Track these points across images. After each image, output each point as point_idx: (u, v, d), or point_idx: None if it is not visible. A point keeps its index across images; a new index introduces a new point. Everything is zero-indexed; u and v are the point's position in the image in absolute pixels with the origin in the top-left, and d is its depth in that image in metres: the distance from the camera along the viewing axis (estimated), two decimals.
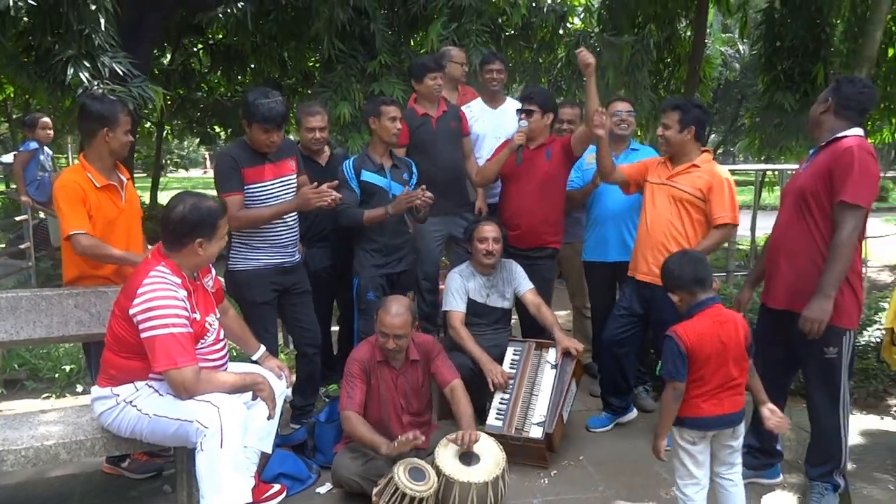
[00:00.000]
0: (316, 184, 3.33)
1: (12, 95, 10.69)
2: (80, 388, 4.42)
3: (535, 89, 4.09)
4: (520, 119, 3.89)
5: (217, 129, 11.78)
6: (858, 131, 2.80)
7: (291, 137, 6.85)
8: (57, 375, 4.43)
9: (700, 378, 2.48)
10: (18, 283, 5.93)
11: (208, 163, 33.27)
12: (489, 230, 3.74)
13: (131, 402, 2.53)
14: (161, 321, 2.42)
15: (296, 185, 3.47)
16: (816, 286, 2.73)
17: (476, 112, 4.50)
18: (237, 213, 3.20)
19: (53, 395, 4.36)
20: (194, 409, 2.45)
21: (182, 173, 19.51)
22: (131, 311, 2.45)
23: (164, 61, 10.30)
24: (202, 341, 2.63)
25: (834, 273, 2.70)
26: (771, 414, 2.52)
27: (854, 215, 2.69)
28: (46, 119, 5.30)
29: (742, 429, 2.61)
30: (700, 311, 2.53)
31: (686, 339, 2.46)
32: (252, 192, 3.30)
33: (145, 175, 19.58)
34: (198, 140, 12.71)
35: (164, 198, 13.30)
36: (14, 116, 13.42)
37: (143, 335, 2.44)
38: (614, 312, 3.74)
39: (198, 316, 2.60)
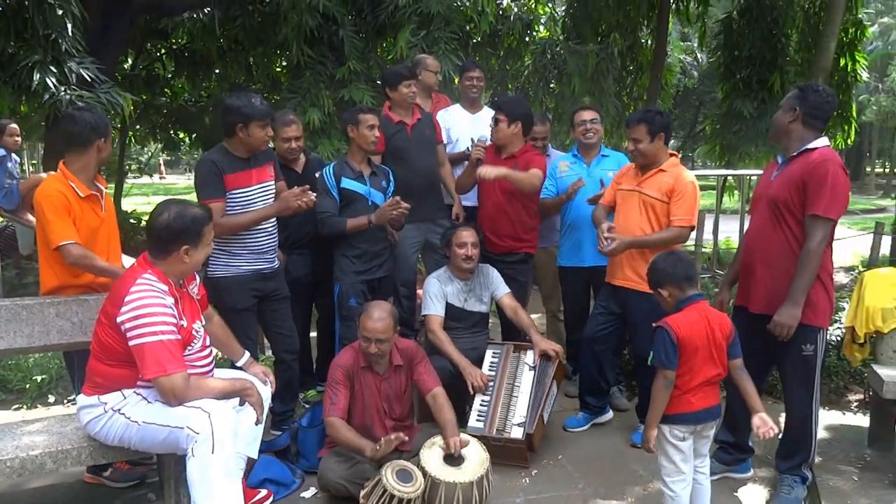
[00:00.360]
0: (296, 188, 3.37)
1: None
2: (51, 399, 4.35)
3: (504, 99, 4.19)
4: (490, 127, 4.00)
5: (181, 134, 11.60)
6: (826, 141, 2.95)
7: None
8: (28, 386, 4.35)
9: (690, 371, 2.60)
10: None
11: (163, 168, 32.79)
12: (467, 235, 3.80)
13: (119, 409, 2.52)
14: (150, 328, 2.42)
15: (274, 190, 3.49)
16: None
17: (455, 118, 4.58)
18: (219, 220, 3.20)
19: (24, 406, 4.28)
20: (185, 415, 2.46)
21: (146, 179, 19.13)
22: (119, 319, 2.45)
23: (126, 66, 10.13)
24: (189, 348, 2.63)
25: (803, 281, 2.86)
26: (762, 423, 2.63)
27: (824, 227, 2.85)
28: (14, 125, 5.20)
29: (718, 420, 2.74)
30: (688, 305, 2.67)
31: (677, 329, 2.58)
32: (234, 198, 3.31)
33: (108, 181, 19.18)
34: (161, 146, 12.51)
35: (126, 204, 13.08)
36: None
37: (131, 343, 2.44)
38: (594, 311, 3.85)
39: (185, 323, 2.60)
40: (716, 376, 2.66)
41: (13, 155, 5.18)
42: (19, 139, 5.30)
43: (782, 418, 3.94)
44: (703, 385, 2.63)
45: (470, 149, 4.09)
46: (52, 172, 3.05)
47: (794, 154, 2.97)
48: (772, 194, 3.00)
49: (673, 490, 2.68)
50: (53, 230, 2.88)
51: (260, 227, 3.40)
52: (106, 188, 3.26)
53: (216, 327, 3.03)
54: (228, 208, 3.30)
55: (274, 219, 3.50)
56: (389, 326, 3.13)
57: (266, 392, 2.96)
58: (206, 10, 8.11)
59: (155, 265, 2.58)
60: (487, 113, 4.62)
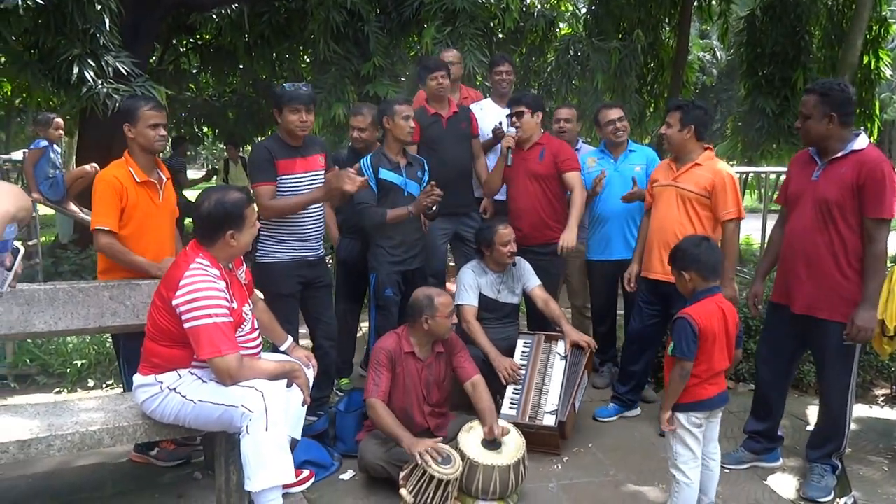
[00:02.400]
0: (336, 167, 3.46)
1: (9, 94, 10.56)
2: (91, 383, 4.47)
3: (521, 92, 4.29)
4: (511, 124, 4.06)
5: (205, 129, 11.74)
6: (867, 139, 2.99)
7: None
8: (68, 370, 4.47)
9: (707, 360, 2.68)
10: (24, 280, 5.90)
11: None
12: (509, 233, 3.86)
13: (175, 388, 2.62)
14: (204, 311, 2.52)
15: (324, 180, 3.58)
16: (840, 294, 2.97)
17: (487, 111, 4.67)
18: (268, 203, 3.34)
19: (65, 390, 4.40)
20: (239, 394, 2.55)
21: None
22: (174, 303, 2.54)
23: (152, 61, 10.28)
24: (239, 330, 2.72)
25: (876, 283, 2.93)
26: None
27: (887, 228, 2.91)
28: (60, 119, 5.35)
29: None
30: (707, 296, 2.73)
31: (699, 320, 2.65)
32: (284, 184, 3.43)
33: None
34: (186, 139, 12.65)
35: None
36: None
37: (186, 325, 2.53)
38: (639, 304, 3.90)
39: (235, 305, 2.70)
40: (727, 366, 2.78)
41: (55, 146, 5.31)
42: (62, 132, 5.45)
43: (809, 410, 4.04)
44: (718, 373, 2.74)
45: (504, 127, 4.16)
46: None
47: (839, 155, 2.99)
48: (819, 195, 3.00)
49: (689, 477, 2.74)
50: (96, 212, 3.02)
51: (306, 214, 3.50)
52: (168, 177, 3.37)
53: (261, 312, 3.12)
54: (278, 193, 3.41)
55: (321, 207, 3.60)
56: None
57: (310, 374, 3.05)
58: (234, 6, 8.22)
59: (206, 250, 2.67)
60: None
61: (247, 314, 2.79)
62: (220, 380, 2.59)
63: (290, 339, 3.22)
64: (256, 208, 3.34)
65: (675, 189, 3.65)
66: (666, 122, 3.68)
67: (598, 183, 4.14)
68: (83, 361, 4.52)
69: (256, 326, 2.88)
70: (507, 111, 4.20)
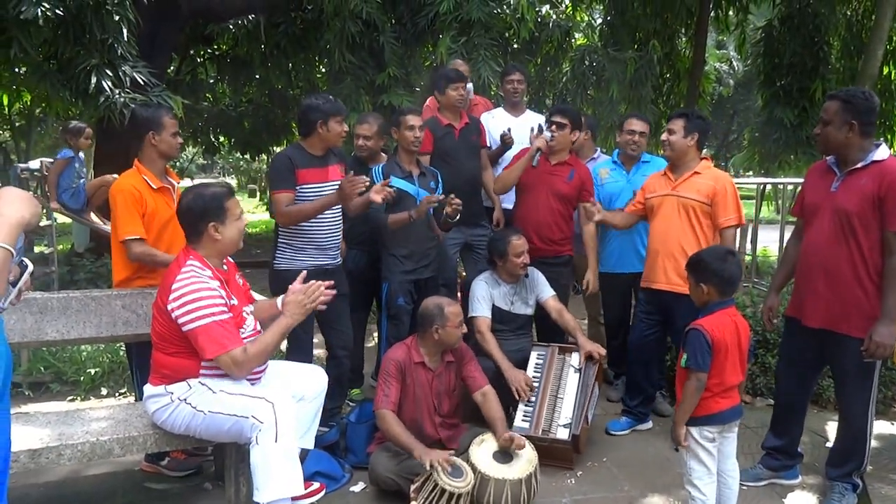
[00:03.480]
0: (352, 172, 3.44)
1: (28, 103, 10.72)
2: (104, 392, 4.48)
3: (567, 106, 4.25)
4: (549, 128, 4.03)
5: (221, 138, 11.85)
6: (888, 150, 2.92)
7: None
8: (81, 378, 4.49)
9: (720, 373, 2.64)
10: (40, 287, 5.97)
11: None
12: (522, 244, 3.84)
13: (185, 399, 2.61)
14: (199, 312, 2.51)
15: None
16: (859, 309, 2.89)
17: (499, 120, 4.65)
18: (284, 209, 3.37)
19: (78, 398, 4.41)
20: (249, 405, 2.54)
21: (187, 181, 19.50)
22: (169, 307, 2.55)
23: (170, 71, 10.39)
24: (241, 330, 2.70)
25: (894, 296, 2.82)
26: None
27: None
28: (89, 129, 5.45)
29: None
30: (722, 308, 2.70)
31: (712, 332, 2.61)
32: (305, 193, 3.45)
33: None
34: (202, 149, 12.79)
35: None
36: (17, 125, 13.46)
37: (185, 328, 2.53)
38: (639, 316, 3.87)
39: (235, 301, 2.70)
40: (740, 380, 2.74)
41: (80, 155, 5.38)
42: (90, 141, 5.55)
43: (829, 426, 3.96)
44: (732, 386, 2.69)
45: (539, 133, 4.10)
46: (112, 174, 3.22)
47: (859, 166, 2.92)
48: (839, 207, 2.93)
49: (704, 493, 2.69)
50: (121, 224, 3.04)
51: (324, 221, 3.51)
52: (178, 183, 3.41)
53: (258, 310, 3.01)
54: (299, 202, 3.43)
55: (339, 216, 3.62)
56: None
57: (322, 384, 3.04)
58: (250, 17, 8.30)
59: (195, 250, 2.68)
60: (529, 116, 4.74)
61: (248, 314, 2.79)
62: (231, 375, 2.59)
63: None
64: (276, 213, 3.38)
65: (676, 198, 3.62)
66: (668, 129, 3.67)
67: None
68: (97, 370, 4.53)
69: (259, 329, 2.85)
70: (517, 120, 4.17)
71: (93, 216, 5.41)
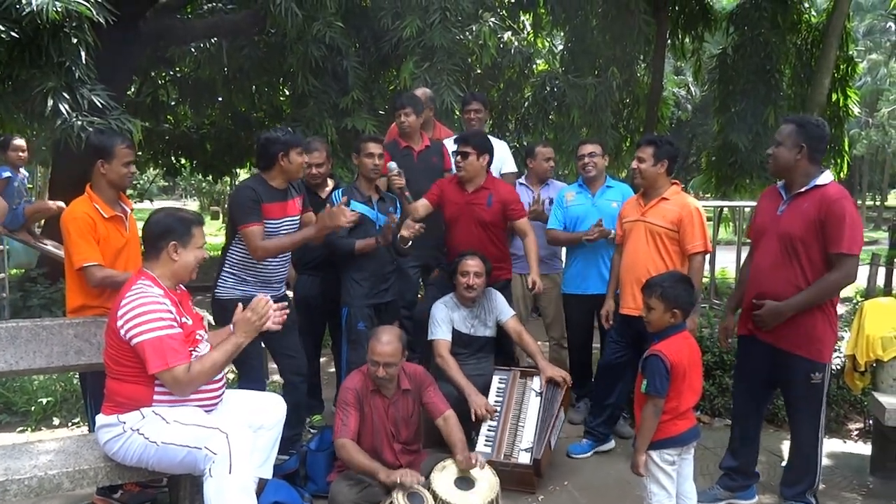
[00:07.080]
0: (337, 205, 3.42)
1: None
2: (56, 422, 4.35)
3: (471, 132, 4.27)
4: (456, 161, 4.06)
5: (182, 160, 11.71)
6: (830, 175, 3.04)
7: None
8: (33, 409, 4.35)
9: (678, 396, 2.69)
10: None
11: None
12: (472, 265, 3.85)
13: (138, 430, 2.55)
14: (147, 325, 2.49)
15: (300, 223, 3.57)
16: (806, 329, 3.00)
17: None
18: (261, 243, 3.29)
19: (29, 429, 4.28)
20: (203, 435, 2.49)
21: (147, 204, 19.18)
22: (118, 324, 2.52)
23: (131, 93, 10.26)
24: (195, 351, 2.67)
25: (808, 299, 2.95)
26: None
27: (848, 263, 2.91)
28: (20, 141, 5.20)
29: None
30: (677, 332, 2.75)
31: (671, 357, 2.66)
32: (265, 228, 3.37)
33: None
34: (162, 171, 12.62)
35: None
36: None
37: (132, 342, 2.50)
38: (609, 339, 3.91)
39: (189, 321, 2.67)
40: (695, 401, 2.79)
41: (22, 171, 5.20)
42: (25, 154, 5.31)
43: (783, 446, 4.03)
44: (689, 408, 2.74)
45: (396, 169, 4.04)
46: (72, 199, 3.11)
47: (803, 190, 3.03)
48: (783, 230, 3.03)
49: None
50: (77, 252, 2.97)
51: (277, 258, 3.47)
52: (131, 209, 3.34)
53: (214, 336, 2.96)
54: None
55: (289, 252, 3.56)
56: (398, 351, 3.18)
57: (280, 414, 2.99)
58: (213, 40, 8.25)
59: (148, 271, 2.66)
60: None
61: (202, 336, 2.76)
62: (174, 392, 2.55)
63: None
64: (250, 248, 3.30)
65: (643, 224, 3.68)
66: (637, 156, 3.72)
67: (598, 232, 4.10)
68: (49, 399, 4.40)
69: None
70: (501, 146, 4.19)
71: (28, 235, 5.24)
